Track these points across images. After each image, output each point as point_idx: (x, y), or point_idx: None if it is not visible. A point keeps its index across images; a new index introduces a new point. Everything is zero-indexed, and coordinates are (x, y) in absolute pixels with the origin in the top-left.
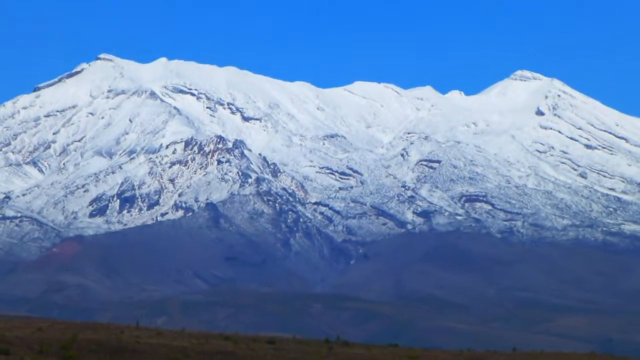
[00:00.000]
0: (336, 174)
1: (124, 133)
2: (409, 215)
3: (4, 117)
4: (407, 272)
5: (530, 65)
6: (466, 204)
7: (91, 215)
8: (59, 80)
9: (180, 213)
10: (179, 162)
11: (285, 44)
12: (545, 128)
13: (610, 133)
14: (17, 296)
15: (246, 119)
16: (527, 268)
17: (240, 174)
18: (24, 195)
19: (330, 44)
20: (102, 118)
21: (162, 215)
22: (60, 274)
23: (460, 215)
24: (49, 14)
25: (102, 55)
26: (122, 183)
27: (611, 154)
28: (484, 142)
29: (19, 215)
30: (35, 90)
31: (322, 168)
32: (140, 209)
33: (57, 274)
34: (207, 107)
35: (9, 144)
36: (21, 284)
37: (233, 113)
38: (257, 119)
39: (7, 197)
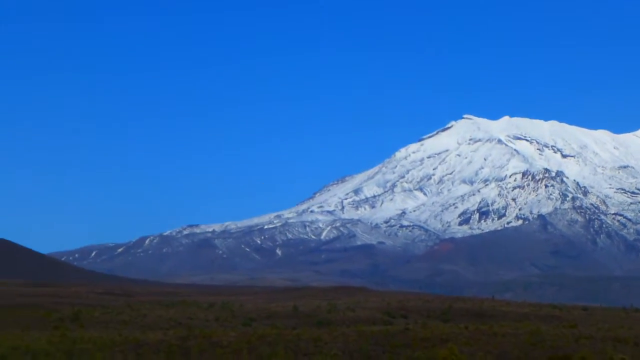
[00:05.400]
0: (628, 193)
1: (481, 168)
2: None
3: (399, 159)
4: None
5: None
6: None
7: (459, 224)
8: (436, 133)
9: (520, 222)
10: (519, 187)
11: (590, 94)
12: None
13: None
14: (411, 279)
15: (564, 156)
16: None
17: (560, 194)
18: (414, 211)
19: (625, 94)
20: (466, 158)
21: (508, 223)
22: (440, 264)
23: None
24: (435, 78)
25: (465, 115)
26: (480, 202)
27: None
28: None
29: (411, 224)
30: (420, 140)
31: (618, 189)
32: (493, 220)
33: (437, 264)
34: (537, 149)
35: (404, 176)
36: (413, 270)
37: (555, 152)
38: (572, 156)
39: (403, 212)
